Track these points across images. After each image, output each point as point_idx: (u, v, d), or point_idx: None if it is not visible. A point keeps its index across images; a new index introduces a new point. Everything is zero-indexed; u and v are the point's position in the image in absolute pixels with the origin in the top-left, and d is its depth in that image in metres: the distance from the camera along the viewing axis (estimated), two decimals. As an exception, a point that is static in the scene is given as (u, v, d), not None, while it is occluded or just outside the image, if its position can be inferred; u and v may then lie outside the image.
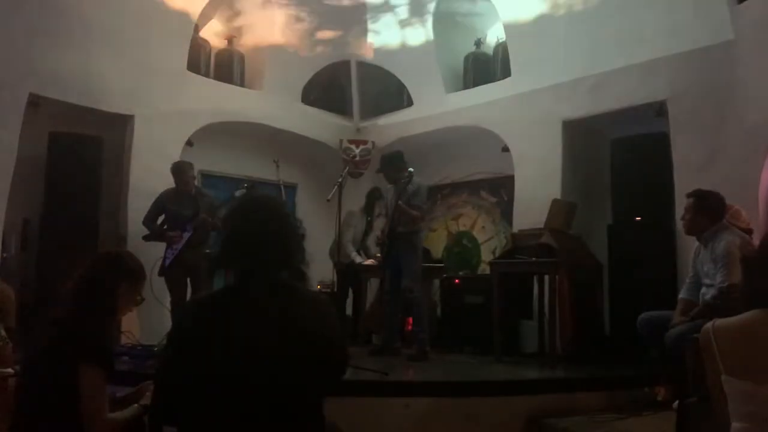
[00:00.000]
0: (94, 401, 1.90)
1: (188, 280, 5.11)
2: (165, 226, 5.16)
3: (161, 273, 5.03)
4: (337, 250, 5.06)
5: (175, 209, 5.14)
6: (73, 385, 1.88)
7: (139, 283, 2.22)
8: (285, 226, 1.74)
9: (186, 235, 5.06)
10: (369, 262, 5.82)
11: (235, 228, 1.73)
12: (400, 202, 4.74)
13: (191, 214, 5.11)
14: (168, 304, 5.13)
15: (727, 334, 1.44)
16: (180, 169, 5.21)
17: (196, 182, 5.44)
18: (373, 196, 6.19)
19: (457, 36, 6.90)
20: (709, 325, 1.47)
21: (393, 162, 4.96)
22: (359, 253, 6.11)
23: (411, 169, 4.83)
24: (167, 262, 5.02)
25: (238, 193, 5.17)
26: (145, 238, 5.18)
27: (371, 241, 6.03)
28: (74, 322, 1.98)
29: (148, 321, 5.25)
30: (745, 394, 1.38)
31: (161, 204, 5.18)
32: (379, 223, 6.01)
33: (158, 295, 5.04)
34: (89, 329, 1.97)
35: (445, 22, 6.82)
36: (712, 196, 3.60)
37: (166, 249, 5.08)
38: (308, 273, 1.85)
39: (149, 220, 5.17)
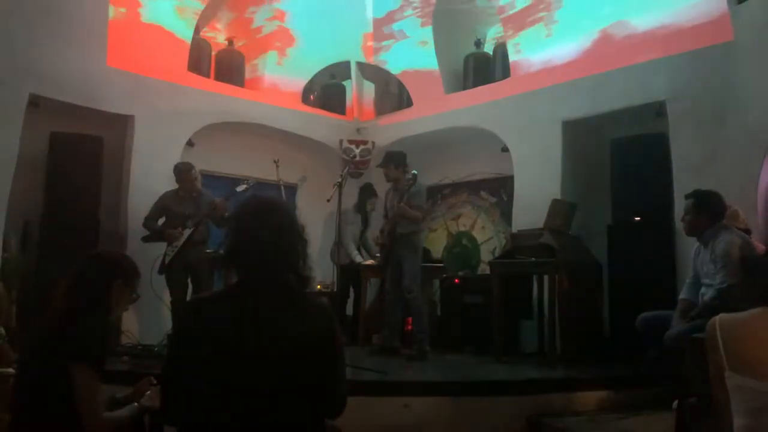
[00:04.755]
0: (88, 401, 1.90)
1: (189, 279, 5.12)
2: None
3: (161, 271, 5.03)
4: (337, 251, 5.06)
5: (177, 209, 5.15)
6: (68, 386, 1.88)
7: (132, 281, 2.21)
8: (293, 230, 1.72)
9: (187, 232, 5.06)
10: (369, 262, 5.83)
11: (244, 228, 1.71)
12: (402, 203, 4.75)
13: (192, 213, 5.12)
14: (168, 303, 5.14)
15: (731, 329, 1.44)
16: (182, 171, 5.22)
17: (198, 183, 5.44)
18: (366, 192, 6.22)
19: (457, 36, 6.90)
20: (714, 319, 1.47)
21: (396, 160, 4.96)
22: (359, 251, 6.13)
23: (415, 172, 4.82)
24: (167, 259, 5.02)
25: (239, 189, 5.17)
26: (144, 239, 5.18)
27: (371, 238, 6.05)
28: (67, 324, 1.98)
29: (147, 321, 5.26)
30: (748, 390, 1.38)
31: (162, 205, 5.19)
32: (374, 219, 6.04)
33: (158, 293, 5.05)
34: (81, 330, 1.96)
35: (445, 22, 6.82)
36: (712, 197, 3.61)
37: (167, 247, 5.09)
38: (313, 277, 1.84)
39: (150, 220, 5.17)
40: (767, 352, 1.39)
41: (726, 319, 1.46)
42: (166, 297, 5.12)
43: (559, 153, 5.56)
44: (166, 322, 5.19)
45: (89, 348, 1.95)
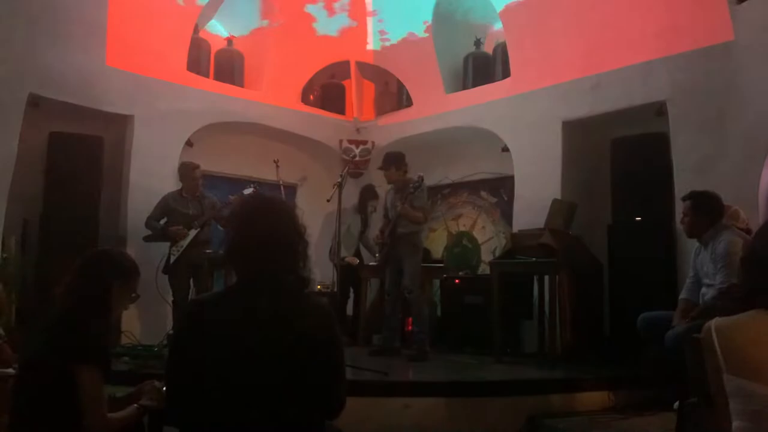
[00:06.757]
0: (92, 401, 1.90)
1: (191, 279, 5.12)
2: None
3: (165, 270, 5.03)
4: (337, 251, 5.06)
5: (180, 210, 5.16)
6: (71, 386, 1.87)
7: (132, 280, 2.21)
8: (293, 230, 1.71)
9: (192, 233, 5.06)
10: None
11: (243, 227, 1.70)
12: (405, 205, 4.73)
13: (196, 214, 5.13)
14: (170, 303, 5.14)
15: (729, 332, 1.43)
16: (187, 169, 5.23)
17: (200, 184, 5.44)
18: (367, 193, 6.23)
19: (457, 36, 6.90)
20: (711, 323, 1.46)
21: (395, 162, 4.95)
22: (359, 252, 6.13)
23: (421, 174, 4.82)
24: (172, 258, 5.03)
25: (246, 192, 5.17)
26: (146, 238, 5.18)
27: (371, 237, 6.05)
28: (70, 323, 1.98)
29: (148, 321, 5.26)
30: (747, 393, 1.37)
31: (166, 205, 5.20)
32: (375, 219, 6.04)
33: (161, 293, 5.05)
34: (85, 329, 1.96)
35: (445, 22, 6.82)
36: (709, 197, 3.60)
37: (171, 246, 5.09)
38: (313, 278, 1.83)
39: (153, 220, 5.18)
40: (766, 354, 1.39)
41: (722, 323, 1.46)
42: (169, 297, 5.12)
43: (559, 153, 5.56)
44: (167, 322, 5.20)
45: (94, 349, 1.95)
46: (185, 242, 5.05)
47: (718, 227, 3.53)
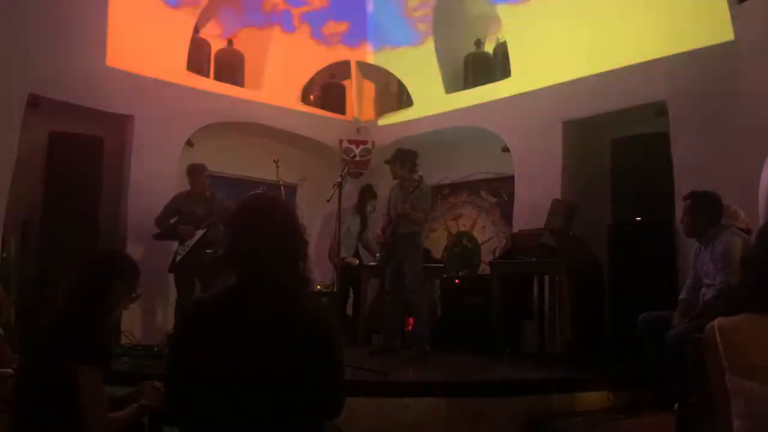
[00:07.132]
0: (93, 401, 1.90)
1: (196, 280, 5.12)
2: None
3: (171, 269, 5.04)
4: (337, 251, 5.06)
5: (189, 210, 5.17)
6: (72, 386, 1.88)
7: (133, 280, 2.22)
8: (293, 230, 1.71)
9: (199, 233, 5.07)
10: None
11: (242, 228, 1.71)
12: (407, 205, 4.72)
13: (205, 214, 5.14)
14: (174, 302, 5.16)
15: (732, 332, 1.43)
16: (194, 171, 5.25)
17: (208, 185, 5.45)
18: (366, 193, 6.23)
19: (457, 36, 6.90)
20: (713, 323, 1.46)
21: (403, 159, 4.89)
22: (358, 251, 6.13)
23: (421, 173, 4.80)
24: (178, 257, 5.04)
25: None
26: (156, 236, 5.20)
27: (371, 237, 6.05)
28: (70, 323, 1.98)
29: (148, 321, 5.26)
30: (750, 394, 1.37)
31: (175, 205, 5.21)
32: (374, 219, 6.04)
33: (162, 293, 5.06)
34: (86, 330, 1.97)
35: (445, 22, 6.82)
36: (709, 197, 3.59)
37: (178, 245, 5.10)
38: (313, 278, 1.84)
39: (162, 219, 5.19)
40: (767, 355, 1.39)
41: (725, 322, 1.46)
42: (172, 296, 5.14)
43: (559, 153, 5.56)
44: (168, 322, 5.20)
45: (94, 349, 1.96)
46: (191, 242, 5.07)
47: (718, 227, 3.53)
